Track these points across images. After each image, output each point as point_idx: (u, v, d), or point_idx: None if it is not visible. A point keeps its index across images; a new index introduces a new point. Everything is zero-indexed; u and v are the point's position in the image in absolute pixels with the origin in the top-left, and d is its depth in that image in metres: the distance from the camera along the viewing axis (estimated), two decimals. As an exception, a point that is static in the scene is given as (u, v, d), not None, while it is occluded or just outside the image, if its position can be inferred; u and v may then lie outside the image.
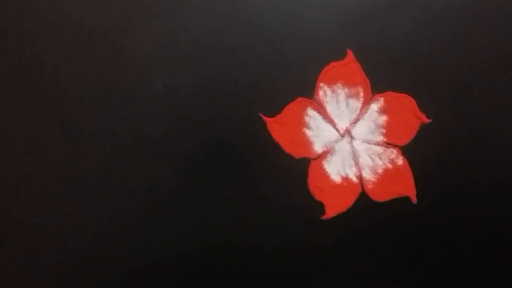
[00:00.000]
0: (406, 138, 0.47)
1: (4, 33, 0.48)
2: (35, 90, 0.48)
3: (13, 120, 0.47)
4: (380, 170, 0.47)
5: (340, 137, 0.48)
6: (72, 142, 0.47)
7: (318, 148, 0.47)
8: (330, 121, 0.48)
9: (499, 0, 0.48)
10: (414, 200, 0.46)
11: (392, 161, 0.47)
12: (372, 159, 0.47)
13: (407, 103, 0.47)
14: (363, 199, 0.47)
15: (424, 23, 0.48)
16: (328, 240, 0.47)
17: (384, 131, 0.47)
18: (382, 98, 0.47)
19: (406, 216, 0.47)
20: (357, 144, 0.47)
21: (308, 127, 0.47)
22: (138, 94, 0.48)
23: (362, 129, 0.48)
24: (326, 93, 0.47)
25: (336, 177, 0.47)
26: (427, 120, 0.47)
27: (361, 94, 0.48)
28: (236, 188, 0.47)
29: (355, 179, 0.47)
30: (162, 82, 0.48)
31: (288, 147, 0.47)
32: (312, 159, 0.47)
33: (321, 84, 0.47)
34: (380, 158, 0.47)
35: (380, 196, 0.47)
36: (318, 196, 0.47)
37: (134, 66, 0.48)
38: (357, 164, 0.47)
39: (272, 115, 0.47)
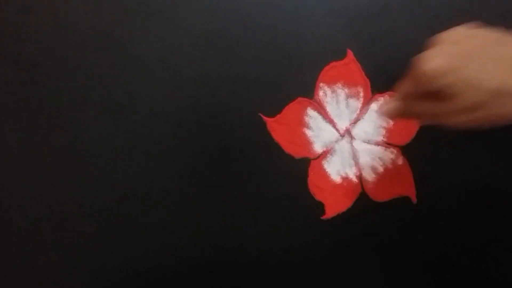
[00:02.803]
0: (406, 138, 0.47)
1: (4, 33, 0.48)
2: (35, 90, 0.48)
3: (13, 120, 0.47)
4: (380, 170, 0.47)
5: (340, 137, 0.48)
6: (72, 142, 0.47)
7: (318, 148, 0.47)
8: (330, 121, 0.48)
9: (498, 0, 0.48)
10: (414, 200, 0.46)
11: (392, 161, 0.47)
12: (372, 159, 0.47)
13: (407, 103, 0.47)
14: (363, 199, 0.47)
15: (424, 23, 0.48)
16: (328, 240, 0.47)
17: (384, 131, 0.48)
18: (382, 98, 0.47)
19: (406, 216, 0.47)
20: (357, 144, 0.47)
21: (308, 127, 0.47)
22: (137, 94, 0.48)
23: (362, 129, 0.48)
24: (326, 93, 0.47)
25: (336, 177, 0.47)
26: (427, 120, 0.47)
27: (361, 94, 0.48)
28: (236, 188, 0.47)
29: (355, 179, 0.47)
30: (162, 82, 0.48)
31: (288, 147, 0.47)
32: (312, 159, 0.47)
33: (321, 84, 0.47)
34: (380, 158, 0.47)
35: (380, 196, 0.47)
36: (318, 196, 0.47)
37: (135, 66, 0.48)
38: (357, 164, 0.47)
39: (272, 115, 0.47)
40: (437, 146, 0.47)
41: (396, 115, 0.39)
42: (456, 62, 0.32)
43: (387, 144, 0.47)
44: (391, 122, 0.47)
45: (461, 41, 0.34)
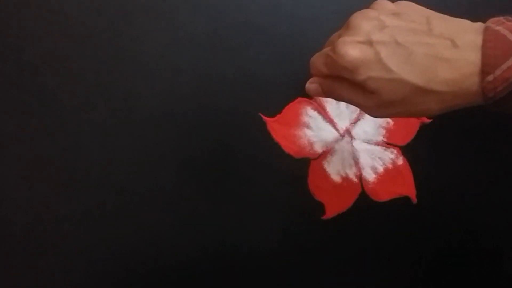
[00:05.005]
0: (406, 138, 0.47)
1: (4, 34, 0.48)
2: (35, 90, 0.48)
3: (13, 120, 0.47)
4: (380, 170, 0.47)
5: (340, 137, 0.48)
6: (72, 142, 0.47)
7: (318, 148, 0.47)
8: (330, 121, 0.48)
9: (498, 0, 0.48)
10: (414, 200, 0.46)
11: (392, 161, 0.47)
12: (372, 159, 0.47)
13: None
14: (363, 199, 0.47)
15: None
16: (328, 240, 0.47)
17: (384, 131, 0.48)
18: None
19: (406, 216, 0.47)
20: (357, 144, 0.47)
21: (308, 127, 0.47)
22: (138, 94, 0.48)
23: (362, 129, 0.48)
24: (326, 93, 0.47)
25: (336, 177, 0.47)
26: (427, 120, 0.47)
27: (361, 94, 0.48)
28: (235, 188, 0.47)
29: (355, 179, 0.47)
30: (162, 82, 0.48)
31: (288, 147, 0.47)
32: (312, 159, 0.47)
33: (321, 84, 0.47)
34: (380, 158, 0.47)
35: (380, 196, 0.47)
36: (318, 196, 0.47)
37: (135, 66, 0.48)
38: (357, 164, 0.47)
39: (272, 115, 0.47)
40: (437, 146, 0.47)
41: (317, 95, 0.36)
42: (375, 54, 0.29)
43: (387, 144, 0.47)
44: (391, 122, 0.47)
45: (401, 14, 0.31)
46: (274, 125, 0.47)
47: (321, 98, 0.47)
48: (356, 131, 0.47)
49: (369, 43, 0.29)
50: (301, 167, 0.47)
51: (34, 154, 0.47)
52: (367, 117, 0.48)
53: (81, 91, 0.48)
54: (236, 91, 0.47)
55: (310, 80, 0.36)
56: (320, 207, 0.47)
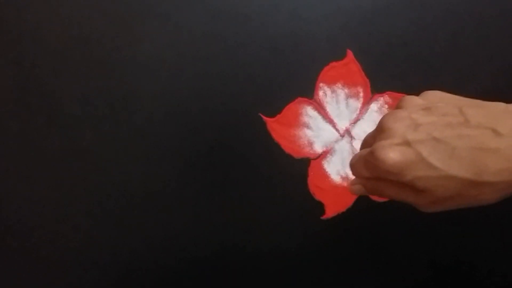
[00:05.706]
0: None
1: (4, 33, 0.48)
2: (35, 90, 0.48)
3: (13, 120, 0.47)
4: (380, 170, 0.47)
5: (340, 137, 0.48)
6: (72, 142, 0.47)
7: (318, 148, 0.47)
8: (330, 121, 0.48)
9: (498, 0, 0.48)
10: (414, 200, 0.46)
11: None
12: (372, 159, 0.47)
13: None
14: (363, 199, 0.47)
15: (424, 23, 0.48)
16: (328, 240, 0.47)
17: (384, 131, 0.47)
18: (382, 98, 0.47)
19: (406, 216, 0.47)
20: (357, 144, 0.47)
21: (308, 127, 0.47)
22: (138, 94, 0.48)
23: (362, 129, 0.48)
24: (326, 93, 0.47)
25: (336, 177, 0.47)
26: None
27: (361, 94, 0.48)
28: (236, 188, 0.47)
29: (355, 179, 0.47)
30: (162, 82, 0.48)
31: (288, 147, 0.47)
32: (312, 159, 0.47)
33: (321, 84, 0.47)
34: (380, 158, 0.47)
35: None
36: (318, 196, 0.47)
37: (135, 66, 0.48)
38: (357, 164, 0.47)
39: (272, 115, 0.47)
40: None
41: (362, 194, 0.35)
42: (416, 154, 0.28)
43: (387, 144, 0.47)
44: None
45: (432, 108, 0.30)
46: (274, 125, 0.47)
47: (321, 98, 0.47)
48: (356, 131, 0.48)
49: (407, 144, 0.29)
50: (301, 167, 0.47)
51: (34, 154, 0.47)
52: (367, 117, 0.48)
53: (81, 91, 0.48)
54: (236, 91, 0.47)
55: (353, 181, 0.35)
56: (320, 207, 0.47)
